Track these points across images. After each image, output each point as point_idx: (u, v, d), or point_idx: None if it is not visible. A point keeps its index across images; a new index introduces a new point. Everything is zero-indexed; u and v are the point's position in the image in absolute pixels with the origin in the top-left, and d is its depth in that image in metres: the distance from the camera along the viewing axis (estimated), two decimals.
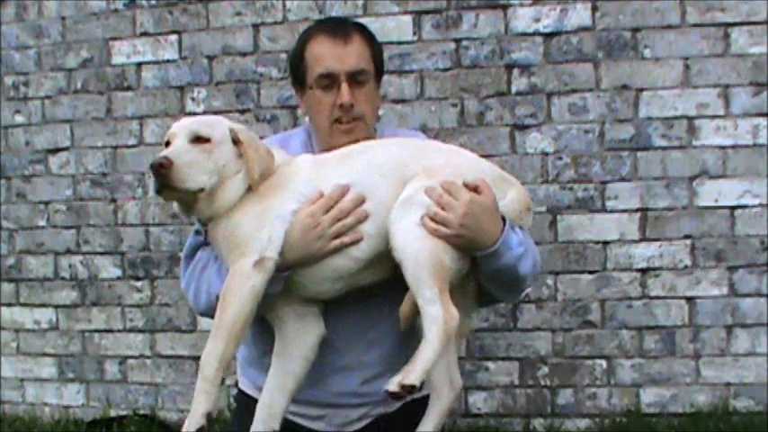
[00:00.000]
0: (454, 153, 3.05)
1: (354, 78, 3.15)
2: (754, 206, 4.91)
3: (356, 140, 3.11)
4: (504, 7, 5.11)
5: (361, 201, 2.90)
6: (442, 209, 2.82)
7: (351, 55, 3.16)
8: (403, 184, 2.88)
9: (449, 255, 2.83)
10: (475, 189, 2.88)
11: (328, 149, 3.12)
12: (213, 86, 5.51)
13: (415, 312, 2.83)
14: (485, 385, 5.15)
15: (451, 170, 2.91)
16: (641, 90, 4.99)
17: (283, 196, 2.92)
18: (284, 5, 5.37)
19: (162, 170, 2.83)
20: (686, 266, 4.98)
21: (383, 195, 2.89)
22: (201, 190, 2.88)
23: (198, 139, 2.91)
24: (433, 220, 2.82)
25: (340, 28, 3.22)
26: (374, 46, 3.25)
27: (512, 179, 3.08)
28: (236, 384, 3.51)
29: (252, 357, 3.31)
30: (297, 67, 3.25)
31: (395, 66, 5.17)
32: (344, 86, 3.13)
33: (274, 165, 2.98)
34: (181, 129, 2.95)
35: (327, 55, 3.16)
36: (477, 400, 5.16)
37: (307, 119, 3.33)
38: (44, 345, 5.93)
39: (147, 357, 5.65)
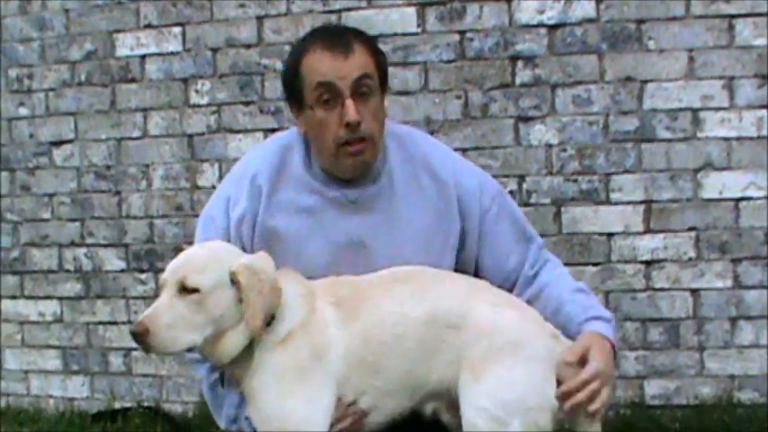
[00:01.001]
0: (491, 320, 2.79)
1: (359, 90, 2.82)
2: (758, 198, 4.90)
3: (364, 163, 2.90)
4: None
5: (364, 415, 2.77)
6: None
7: (353, 67, 2.83)
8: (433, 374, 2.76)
9: None
10: (582, 361, 2.75)
11: (331, 172, 2.94)
12: (217, 78, 5.51)
13: None
14: None
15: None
16: (646, 82, 4.98)
17: (326, 378, 2.72)
18: None
19: (139, 338, 2.62)
20: (690, 258, 4.97)
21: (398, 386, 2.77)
22: (193, 347, 2.69)
23: (185, 290, 2.65)
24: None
25: (338, 38, 2.89)
26: (378, 56, 2.93)
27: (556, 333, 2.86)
28: None
29: None
30: (291, 84, 2.91)
31: (399, 57, 5.16)
32: (349, 102, 2.81)
33: (281, 300, 2.74)
34: (171, 275, 2.68)
35: (326, 69, 2.83)
36: None
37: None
38: (48, 337, 5.93)
39: None
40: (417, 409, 2.81)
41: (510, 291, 2.99)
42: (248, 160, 3.10)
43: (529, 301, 2.96)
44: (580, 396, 2.69)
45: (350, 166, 2.90)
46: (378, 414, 2.78)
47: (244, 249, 2.91)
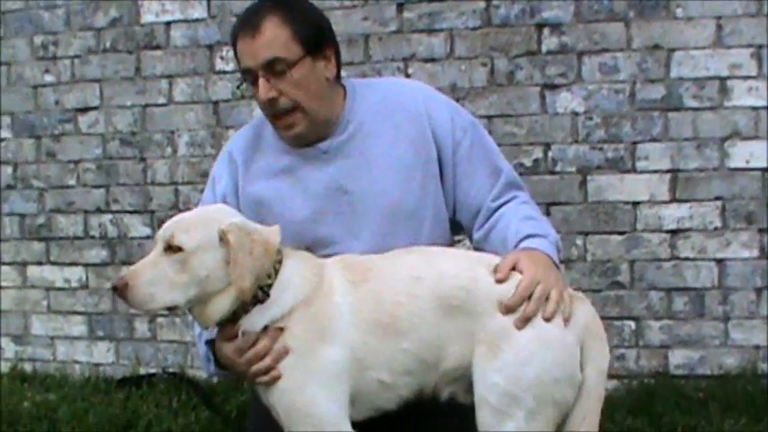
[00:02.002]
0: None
1: (272, 69, 2.86)
2: None
3: (298, 136, 2.93)
4: None
5: (278, 337, 2.69)
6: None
7: (260, 47, 2.85)
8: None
9: None
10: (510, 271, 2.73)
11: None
12: None
13: None
14: None
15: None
16: (673, 50, 4.95)
17: (333, 352, 2.65)
18: None
19: (118, 292, 2.63)
20: (716, 228, 4.95)
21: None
22: (175, 307, 2.67)
23: (171, 248, 2.63)
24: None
25: (250, 18, 2.90)
26: (294, 24, 2.88)
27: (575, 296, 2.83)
28: None
29: None
30: (238, 63, 2.99)
31: (424, 24, 5.15)
32: (261, 82, 2.86)
33: (280, 278, 2.70)
34: (161, 233, 2.66)
35: (242, 52, 2.90)
36: None
37: None
38: (74, 303, 5.97)
39: (177, 316, 5.68)
40: (435, 394, 2.75)
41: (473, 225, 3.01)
42: (229, 140, 3.22)
43: (484, 236, 2.97)
44: (528, 309, 2.65)
45: (286, 138, 2.97)
46: (391, 392, 2.72)
47: None
